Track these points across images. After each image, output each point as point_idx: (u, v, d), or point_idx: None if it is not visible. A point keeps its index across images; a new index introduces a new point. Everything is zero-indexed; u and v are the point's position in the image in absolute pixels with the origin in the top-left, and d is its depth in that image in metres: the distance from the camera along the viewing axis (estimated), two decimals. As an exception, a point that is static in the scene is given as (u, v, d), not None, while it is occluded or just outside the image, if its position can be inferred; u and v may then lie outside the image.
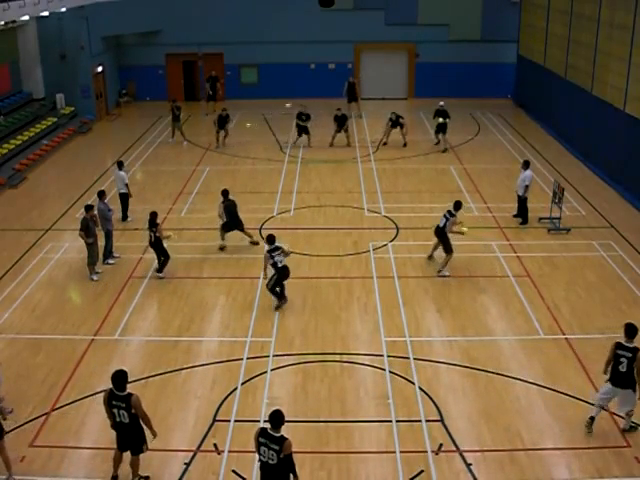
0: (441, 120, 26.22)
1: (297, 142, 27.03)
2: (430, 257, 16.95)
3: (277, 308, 14.72)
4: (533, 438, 10.87)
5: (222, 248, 17.70)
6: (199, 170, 24.28)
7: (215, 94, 31.78)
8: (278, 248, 14.78)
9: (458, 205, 16.38)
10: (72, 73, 30.50)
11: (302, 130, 26.63)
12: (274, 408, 8.99)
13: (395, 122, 26.56)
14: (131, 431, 9.62)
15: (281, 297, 14.86)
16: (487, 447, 10.66)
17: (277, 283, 14.72)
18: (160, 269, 16.34)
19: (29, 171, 24.41)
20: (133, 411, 9.46)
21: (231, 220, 17.67)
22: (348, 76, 31.73)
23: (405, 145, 26.61)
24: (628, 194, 21.11)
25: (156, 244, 16.26)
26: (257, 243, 17.79)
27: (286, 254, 14.89)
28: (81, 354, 13.22)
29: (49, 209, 20.79)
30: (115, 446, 9.90)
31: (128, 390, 9.61)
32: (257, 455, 8.82)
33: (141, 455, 9.82)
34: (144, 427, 9.70)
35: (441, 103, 26.58)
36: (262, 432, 8.74)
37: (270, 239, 14.85)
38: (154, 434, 9.75)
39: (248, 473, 10.04)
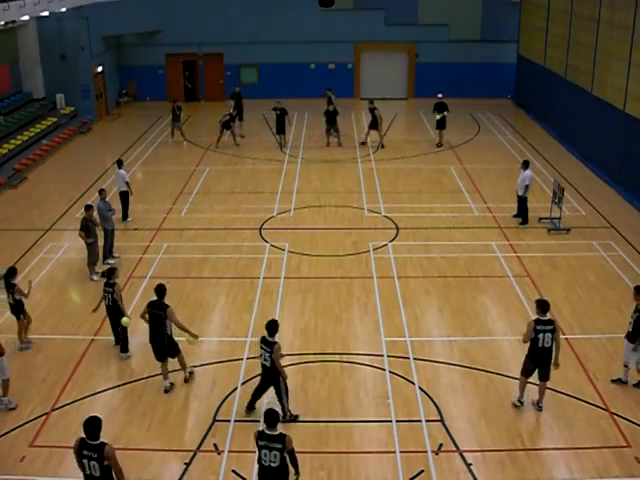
0: (438, 117, 26.30)
1: (284, 143, 26.93)
2: (540, 406, 11.54)
3: None
4: (533, 438, 10.87)
5: (169, 388, 12.16)
6: (199, 170, 24.28)
7: (242, 112, 28.66)
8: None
9: (547, 305, 11.32)
10: (72, 73, 30.51)
11: (281, 126, 26.50)
12: (267, 407, 9.01)
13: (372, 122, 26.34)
14: None
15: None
16: (487, 447, 10.66)
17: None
18: (123, 347, 13.17)
19: (29, 171, 24.41)
20: (106, 463, 8.24)
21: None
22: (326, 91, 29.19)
23: (382, 146, 26.65)
24: (628, 194, 21.10)
25: (115, 309, 13.07)
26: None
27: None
28: (81, 354, 13.21)
29: (49, 209, 20.79)
30: None
31: (102, 439, 8.40)
32: (257, 459, 8.69)
33: (141, 455, 9.80)
34: None
35: (439, 95, 26.72)
36: (260, 435, 8.61)
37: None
38: None
39: (248, 473, 10.03)
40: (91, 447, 8.27)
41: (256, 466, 8.90)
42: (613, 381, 12.12)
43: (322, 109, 27.37)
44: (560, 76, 27.83)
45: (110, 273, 13.16)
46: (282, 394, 11.11)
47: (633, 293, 11.92)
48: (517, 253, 17.38)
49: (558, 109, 28.21)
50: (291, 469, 8.90)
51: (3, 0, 21.52)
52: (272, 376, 10.99)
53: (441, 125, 26.48)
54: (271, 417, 8.57)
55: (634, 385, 12.01)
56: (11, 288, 13.21)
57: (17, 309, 13.33)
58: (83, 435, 8.36)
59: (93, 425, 8.30)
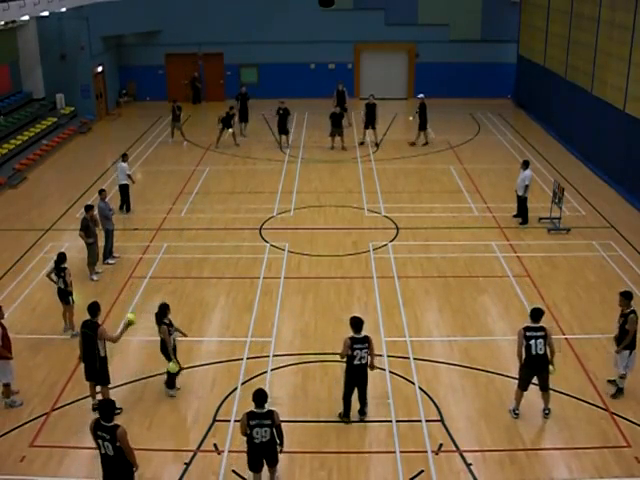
0: (411, 118, 26.79)
1: (283, 143, 26.86)
2: (547, 413, 11.30)
3: None
4: (533, 438, 10.87)
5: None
6: (199, 170, 24.28)
7: (247, 114, 28.40)
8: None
9: (539, 313, 11.33)
10: (72, 73, 30.51)
11: (283, 127, 26.41)
12: (256, 388, 9.40)
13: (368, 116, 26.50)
14: (116, 465, 8.83)
15: None
16: (487, 447, 10.66)
17: None
18: (170, 384, 11.97)
19: (29, 171, 24.41)
20: (118, 444, 8.68)
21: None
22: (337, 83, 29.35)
23: (377, 145, 26.77)
24: (628, 194, 21.10)
25: (162, 350, 11.82)
26: None
27: None
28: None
29: (49, 209, 20.79)
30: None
31: (115, 421, 8.86)
32: (248, 440, 9.23)
33: (141, 455, 9.79)
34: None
35: (420, 95, 26.93)
36: (250, 415, 9.12)
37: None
38: (136, 467, 9.01)
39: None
40: (105, 428, 8.75)
41: (245, 446, 9.31)
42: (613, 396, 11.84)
43: (322, 108, 27.35)
44: (560, 76, 27.83)
45: (163, 310, 11.69)
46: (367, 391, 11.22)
47: (619, 299, 11.77)
48: (517, 253, 17.38)
49: (558, 109, 28.21)
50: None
51: (3, 0, 21.53)
52: (365, 374, 11.00)
53: (421, 125, 26.51)
54: (260, 396, 9.17)
55: (612, 396, 11.74)
56: (62, 272, 13.63)
57: (66, 294, 13.75)
58: (97, 417, 8.87)
59: (107, 407, 8.88)
